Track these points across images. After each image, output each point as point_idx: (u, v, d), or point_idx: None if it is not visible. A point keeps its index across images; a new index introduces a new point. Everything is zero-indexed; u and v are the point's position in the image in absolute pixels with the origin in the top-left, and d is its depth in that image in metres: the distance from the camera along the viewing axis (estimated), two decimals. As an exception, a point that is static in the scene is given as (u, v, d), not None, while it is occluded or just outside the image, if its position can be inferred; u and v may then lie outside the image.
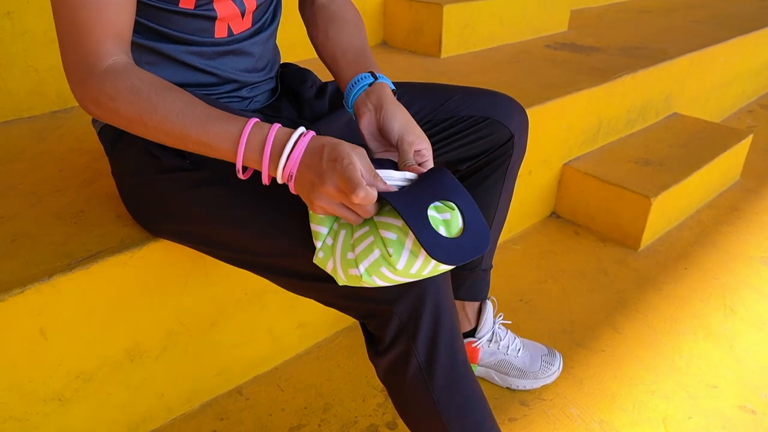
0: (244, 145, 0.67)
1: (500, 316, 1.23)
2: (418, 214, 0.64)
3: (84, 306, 0.91)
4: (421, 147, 0.78)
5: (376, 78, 0.84)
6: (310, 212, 0.71)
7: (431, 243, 0.63)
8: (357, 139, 0.97)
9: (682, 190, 1.77)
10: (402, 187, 0.69)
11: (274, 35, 0.96)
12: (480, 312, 1.19)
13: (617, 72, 1.88)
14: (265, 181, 0.70)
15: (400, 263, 0.65)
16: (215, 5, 0.82)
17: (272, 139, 0.67)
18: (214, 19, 0.82)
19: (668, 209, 1.77)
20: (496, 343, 1.21)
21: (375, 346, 0.79)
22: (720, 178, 2.04)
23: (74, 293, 0.89)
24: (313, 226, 0.71)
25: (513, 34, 2.25)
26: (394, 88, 0.85)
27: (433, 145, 0.99)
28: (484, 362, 1.22)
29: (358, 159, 0.64)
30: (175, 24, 0.81)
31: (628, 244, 1.75)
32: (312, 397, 1.20)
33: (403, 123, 0.79)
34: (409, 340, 0.74)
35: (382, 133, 0.80)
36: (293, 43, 1.79)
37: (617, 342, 1.38)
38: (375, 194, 0.63)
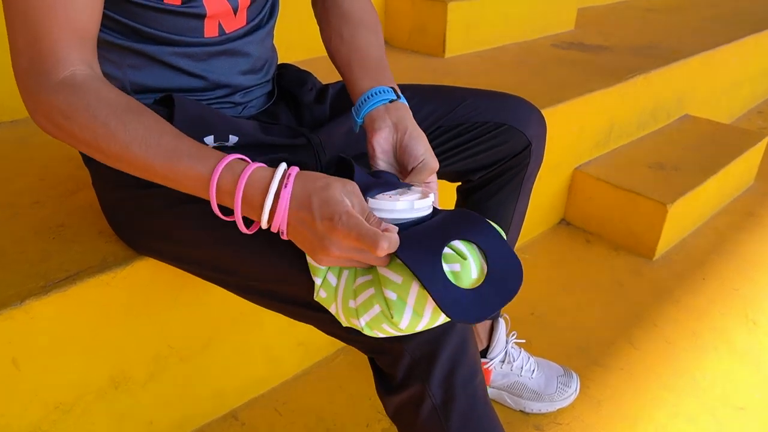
0: (215, 190, 0.59)
1: (513, 335, 1.15)
2: (427, 262, 0.55)
3: (61, 332, 0.83)
4: (432, 180, 0.72)
5: (398, 97, 0.76)
6: None
7: (445, 298, 0.54)
8: (359, 146, 0.89)
9: (698, 195, 1.69)
10: (408, 221, 0.60)
11: (271, 34, 0.87)
12: (492, 331, 1.11)
13: (629, 72, 1.80)
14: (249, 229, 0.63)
15: (402, 323, 0.57)
16: (204, 1, 0.73)
17: (242, 188, 0.58)
18: (203, 16, 0.73)
19: (684, 216, 1.69)
20: (509, 364, 1.13)
21: (384, 382, 0.70)
22: (735, 183, 1.96)
23: (50, 318, 0.80)
24: (311, 260, 0.63)
25: (519, 33, 2.17)
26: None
27: (442, 153, 0.91)
28: (496, 384, 1.14)
29: (351, 203, 0.57)
30: (160, 23, 0.71)
31: (642, 253, 1.67)
32: (312, 421, 1.12)
33: (427, 148, 0.72)
34: (423, 381, 0.65)
35: (402, 154, 0.73)
36: (291, 44, 1.70)
37: (635, 359, 1.30)
38: (396, 238, 0.55)
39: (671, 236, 1.68)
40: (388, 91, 0.76)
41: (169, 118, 0.71)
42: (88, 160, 0.83)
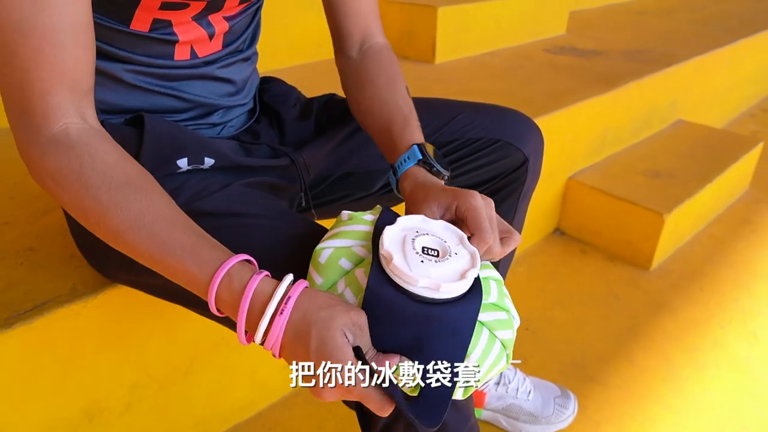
0: (213, 301, 0.53)
1: (509, 356, 1.11)
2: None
3: (28, 367, 0.77)
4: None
5: (398, 169, 0.70)
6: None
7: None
8: (346, 165, 0.85)
9: (695, 204, 1.65)
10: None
11: (253, 60, 0.82)
12: (487, 352, 1.07)
13: (623, 78, 1.76)
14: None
15: None
16: (176, 29, 0.66)
17: (246, 306, 0.51)
18: (174, 42, 0.67)
19: (681, 225, 1.65)
20: (505, 386, 1.08)
21: (366, 424, 0.66)
22: (730, 189, 1.93)
23: (15, 353, 0.75)
24: None
25: (510, 37, 2.13)
26: (420, 157, 0.69)
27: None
28: (491, 406, 1.10)
29: (352, 340, 0.50)
30: (127, 45, 0.66)
31: (638, 263, 1.63)
32: (300, 448, 1.07)
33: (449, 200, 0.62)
34: (407, 430, 0.61)
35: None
36: (276, 51, 1.65)
37: (634, 376, 1.26)
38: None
39: (668, 246, 1.64)
40: (391, 178, 0.71)
41: (139, 139, 0.66)
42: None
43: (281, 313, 0.50)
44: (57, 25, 0.51)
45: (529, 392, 1.10)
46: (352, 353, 0.48)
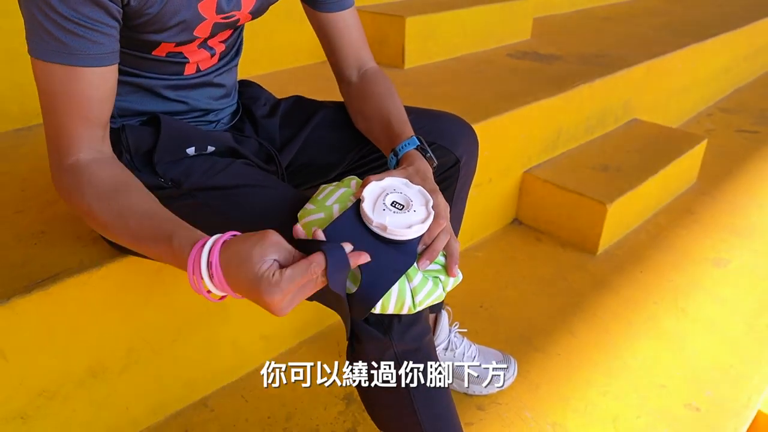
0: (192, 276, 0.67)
1: (456, 325, 1.27)
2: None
3: (44, 326, 0.93)
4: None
5: (394, 156, 0.88)
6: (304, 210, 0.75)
7: (334, 269, 0.63)
8: (304, 155, 1.02)
9: (638, 195, 1.83)
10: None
11: (236, 68, 1.02)
12: (435, 322, 1.23)
13: (575, 81, 1.93)
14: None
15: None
16: (186, 54, 0.86)
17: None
18: (185, 63, 0.87)
19: (625, 214, 1.83)
20: (452, 351, 1.25)
21: (353, 345, 0.85)
22: (676, 182, 2.10)
23: (34, 314, 0.91)
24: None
25: (476, 43, 2.30)
26: (418, 144, 0.88)
27: (379, 168, 1.03)
28: (442, 369, 1.26)
29: (273, 255, 0.62)
30: (148, 66, 0.86)
31: (586, 248, 1.80)
32: (275, 406, 1.23)
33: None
34: (386, 333, 0.81)
35: None
36: (258, 57, 1.82)
37: (573, 346, 1.43)
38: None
39: (613, 233, 1.81)
40: (391, 159, 0.89)
41: (154, 135, 0.86)
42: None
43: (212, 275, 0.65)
44: (92, 95, 0.72)
45: (474, 357, 1.27)
46: (269, 264, 0.62)
